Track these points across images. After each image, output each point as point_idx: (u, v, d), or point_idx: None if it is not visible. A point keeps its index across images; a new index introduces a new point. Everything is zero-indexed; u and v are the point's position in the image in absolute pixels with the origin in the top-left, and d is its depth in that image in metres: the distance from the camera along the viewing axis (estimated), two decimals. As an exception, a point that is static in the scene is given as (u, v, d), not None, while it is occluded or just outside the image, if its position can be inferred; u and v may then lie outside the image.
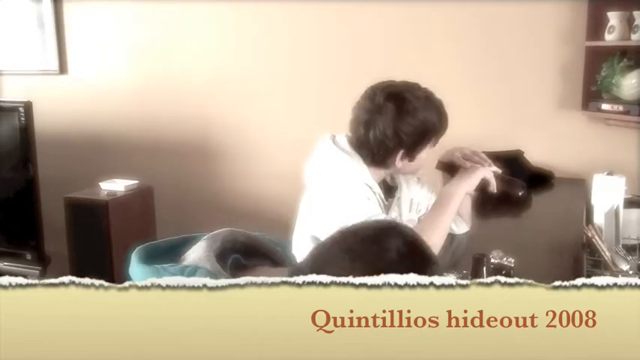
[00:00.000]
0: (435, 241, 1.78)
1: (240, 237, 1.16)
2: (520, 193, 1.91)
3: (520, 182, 1.94)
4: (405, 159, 1.89)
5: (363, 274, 0.85)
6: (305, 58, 3.31)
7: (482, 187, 1.92)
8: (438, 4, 3.02)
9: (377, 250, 0.93)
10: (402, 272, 0.86)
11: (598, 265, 1.93)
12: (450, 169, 1.97)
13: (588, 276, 1.81)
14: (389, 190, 2.04)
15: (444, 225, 1.86)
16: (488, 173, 1.92)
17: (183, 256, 1.12)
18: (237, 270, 1.10)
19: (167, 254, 1.13)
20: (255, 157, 3.48)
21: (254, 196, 3.49)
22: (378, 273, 0.84)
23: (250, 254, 1.15)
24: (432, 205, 1.99)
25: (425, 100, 1.86)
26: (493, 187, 1.92)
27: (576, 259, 1.94)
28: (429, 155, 1.94)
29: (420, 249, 0.98)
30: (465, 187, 1.90)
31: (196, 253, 1.09)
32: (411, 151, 1.88)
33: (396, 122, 1.83)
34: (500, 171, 1.96)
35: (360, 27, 3.18)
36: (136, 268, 1.10)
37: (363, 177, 1.90)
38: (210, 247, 1.09)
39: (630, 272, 1.88)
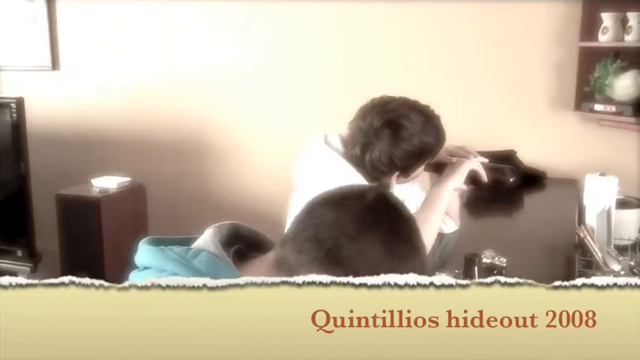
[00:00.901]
0: (424, 241, 1.79)
1: (245, 231, 1.18)
2: (512, 179, 1.90)
3: (509, 168, 1.93)
4: (399, 178, 1.91)
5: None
6: (298, 58, 3.30)
7: (473, 179, 1.92)
8: (431, 6, 3.02)
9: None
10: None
11: (590, 266, 1.94)
12: (438, 168, 1.97)
13: (580, 276, 1.83)
14: None
15: (434, 224, 1.85)
16: (476, 164, 1.91)
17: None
18: (239, 259, 1.11)
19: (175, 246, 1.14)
20: (248, 155, 3.47)
21: (247, 194, 3.48)
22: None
23: (252, 248, 1.16)
24: (420, 204, 1.99)
25: (422, 125, 1.84)
26: (483, 177, 1.91)
27: (568, 259, 1.95)
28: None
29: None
30: (453, 183, 1.89)
31: (202, 239, 1.11)
32: (406, 172, 1.90)
33: (392, 149, 1.82)
34: (487, 160, 1.95)
35: (355, 28, 3.18)
36: (142, 250, 1.10)
37: (355, 178, 1.90)
38: (216, 234, 1.11)
39: (622, 273, 1.90)
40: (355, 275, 0.98)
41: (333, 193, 1.09)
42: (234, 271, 1.05)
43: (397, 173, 1.88)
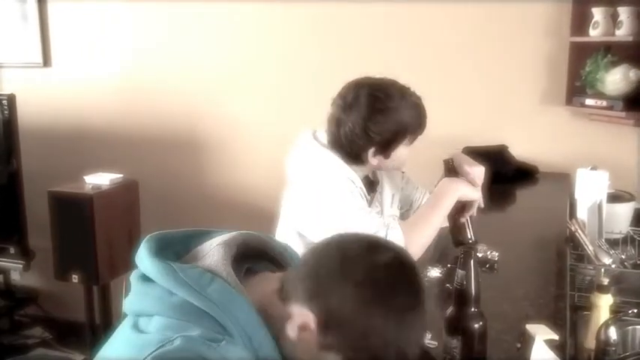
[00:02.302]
0: (424, 236, 1.79)
1: (252, 241, 1.17)
2: (470, 240, 1.89)
3: (473, 235, 1.90)
4: (378, 156, 1.88)
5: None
6: (291, 54, 3.30)
7: (462, 206, 1.90)
8: (424, 3, 3.02)
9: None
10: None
11: (581, 259, 1.96)
12: (453, 172, 1.94)
13: (571, 270, 1.84)
14: (371, 185, 2.04)
15: (435, 223, 1.84)
16: (479, 201, 1.90)
17: (195, 251, 1.12)
18: (247, 276, 1.12)
19: (177, 246, 1.13)
20: (240, 150, 3.47)
21: (239, 189, 3.48)
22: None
23: (259, 257, 1.17)
24: (425, 199, 2.00)
25: (399, 99, 1.83)
26: (469, 213, 1.90)
27: (560, 252, 1.96)
28: (414, 151, 1.94)
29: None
30: (463, 191, 1.87)
31: (212, 259, 1.09)
32: (384, 149, 1.87)
33: (366, 121, 1.81)
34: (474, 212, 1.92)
35: (344, 25, 3.18)
36: (146, 259, 1.07)
37: (345, 172, 1.90)
38: (227, 254, 1.09)
39: (613, 266, 1.91)
40: (329, 324, 1.00)
41: (351, 239, 1.09)
42: (246, 299, 1.04)
43: (374, 149, 1.86)
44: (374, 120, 1.81)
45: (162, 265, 1.05)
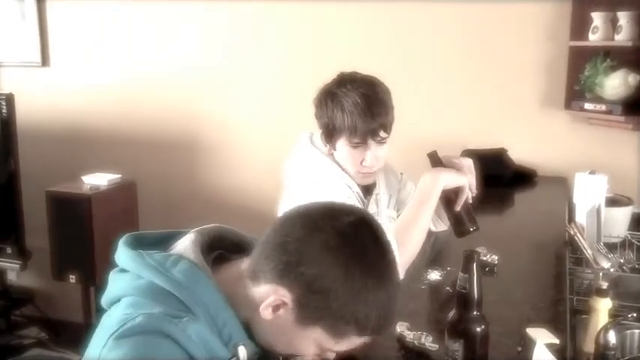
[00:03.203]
0: (415, 237, 1.78)
1: (228, 234, 1.17)
2: (471, 229, 1.82)
3: (476, 221, 1.84)
4: (325, 143, 1.93)
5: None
6: (289, 56, 3.30)
7: (454, 194, 1.83)
8: (422, 4, 3.03)
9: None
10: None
11: (580, 263, 1.96)
12: (439, 164, 1.92)
13: (570, 274, 1.84)
14: (367, 187, 2.04)
15: (423, 222, 1.81)
16: (467, 188, 1.82)
17: (171, 247, 1.13)
18: (221, 262, 1.12)
19: (155, 245, 1.13)
20: (239, 151, 3.47)
21: (237, 191, 3.48)
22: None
23: (235, 251, 1.16)
24: (412, 197, 1.98)
25: (347, 102, 1.84)
26: (460, 200, 1.81)
27: (558, 256, 1.96)
28: (413, 154, 1.93)
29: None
30: (446, 179, 1.80)
31: (183, 244, 1.10)
32: (328, 138, 1.91)
33: (316, 104, 1.91)
34: (471, 199, 1.85)
35: (343, 26, 3.18)
36: (121, 252, 1.10)
37: (341, 177, 1.92)
38: (197, 240, 1.10)
39: (611, 270, 1.91)
40: (307, 294, 1.00)
41: (312, 206, 1.10)
42: (211, 280, 1.04)
43: (322, 133, 1.93)
44: (322, 109, 1.90)
45: (132, 253, 1.07)
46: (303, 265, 1.01)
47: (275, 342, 1.08)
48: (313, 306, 1.01)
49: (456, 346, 1.17)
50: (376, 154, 1.90)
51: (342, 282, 1.00)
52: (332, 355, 1.09)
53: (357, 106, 1.83)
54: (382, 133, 1.87)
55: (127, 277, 1.07)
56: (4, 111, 3.28)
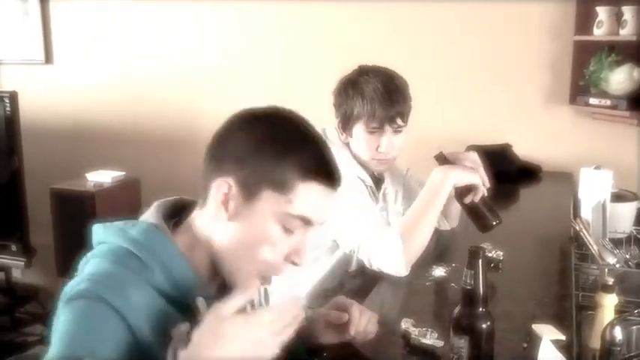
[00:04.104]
0: (422, 235, 1.78)
1: (191, 204, 1.21)
2: (494, 222, 1.82)
3: (498, 214, 1.84)
4: (344, 132, 1.97)
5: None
6: (294, 52, 3.30)
7: (467, 191, 1.84)
8: (425, 2, 3.02)
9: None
10: None
11: (585, 259, 1.95)
12: (447, 162, 1.91)
13: (576, 269, 1.83)
14: (376, 182, 2.05)
15: (430, 219, 1.82)
16: (479, 182, 1.82)
17: None
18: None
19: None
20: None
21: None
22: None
23: None
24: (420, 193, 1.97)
25: (368, 88, 1.89)
26: (477, 196, 1.83)
27: (564, 252, 1.96)
28: (418, 150, 1.93)
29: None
30: (457, 176, 1.81)
31: (146, 214, 1.17)
32: (345, 125, 1.96)
33: (336, 93, 1.97)
34: (486, 192, 1.86)
35: (349, 23, 3.18)
36: (91, 231, 1.16)
37: (356, 170, 1.92)
38: (158, 207, 1.17)
39: (617, 265, 1.90)
40: (241, 163, 1.07)
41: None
42: (167, 236, 1.10)
43: (337, 121, 1.97)
44: (341, 95, 1.95)
45: (98, 225, 1.15)
46: (227, 146, 1.10)
47: (243, 258, 1.09)
48: (250, 170, 1.07)
49: (462, 343, 1.17)
50: (392, 142, 1.93)
51: (269, 136, 1.09)
52: (301, 256, 1.11)
53: (376, 91, 1.88)
54: (399, 121, 1.92)
55: (95, 251, 1.12)
56: (7, 109, 3.28)
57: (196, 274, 1.09)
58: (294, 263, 1.12)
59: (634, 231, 2.13)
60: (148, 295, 1.03)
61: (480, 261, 1.15)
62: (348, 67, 2.00)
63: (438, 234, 2.09)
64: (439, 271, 1.76)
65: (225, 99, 3.46)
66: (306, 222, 1.09)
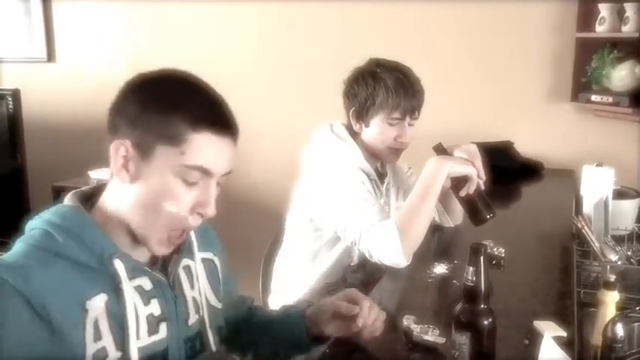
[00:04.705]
0: (419, 227, 1.78)
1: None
2: (488, 216, 1.81)
3: (493, 207, 1.82)
4: (358, 122, 1.97)
5: None
6: (301, 50, 3.30)
7: (461, 182, 1.83)
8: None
9: None
10: None
11: (587, 256, 1.95)
12: (443, 153, 1.91)
13: (577, 266, 1.84)
14: (380, 177, 2.06)
15: (426, 211, 1.80)
16: (474, 174, 1.82)
17: None
18: None
19: None
20: (249, 147, 3.44)
21: (247, 187, 3.48)
22: None
23: None
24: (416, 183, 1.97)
25: (390, 79, 1.91)
26: (470, 188, 1.82)
27: (565, 249, 1.96)
28: (419, 148, 1.93)
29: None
30: (450, 166, 1.80)
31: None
32: (361, 115, 1.96)
33: (352, 82, 1.98)
34: (482, 185, 1.85)
35: (351, 21, 3.18)
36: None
37: (358, 162, 1.94)
38: (75, 194, 1.20)
39: (619, 262, 1.90)
40: (133, 123, 1.12)
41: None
42: (77, 209, 1.14)
43: (353, 110, 1.97)
44: (359, 84, 1.95)
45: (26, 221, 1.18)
46: (120, 112, 1.16)
47: (149, 215, 1.11)
48: (142, 129, 1.10)
49: (463, 339, 1.17)
50: (410, 132, 1.97)
51: (157, 93, 1.14)
52: (207, 208, 1.13)
53: (400, 83, 1.91)
54: (417, 112, 1.96)
55: (18, 242, 1.15)
56: (10, 106, 3.29)
57: (113, 243, 1.12)
58: (201, 215, 1.14)
59: (636, 228, 2.13)
60: (61, 271, 1.05)
61: (482, 258, 1.15)
62: (351, 65, 2.01)
63: (440, 231, 2.09)
64: (441, 268, 1.76)
65: (228, 97, 3.46)
66: (205, 172, 1.12)
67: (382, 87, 1.91)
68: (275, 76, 3.35)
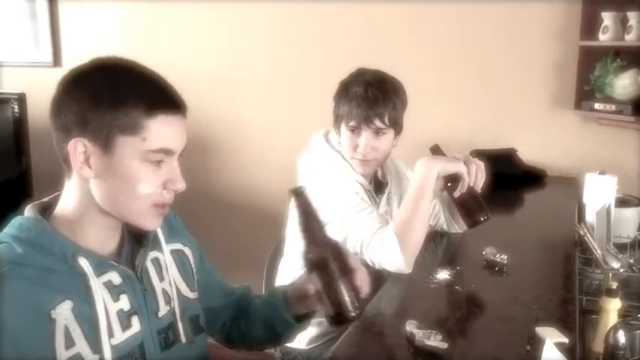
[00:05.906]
0: (417, 233, 1.78)
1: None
2: (482, 218, 1.81)
3: (487, 209, 1.82)
4: (336, 131, 2.02)
5: None
6: (300, 55, 3.31)
7: (454, 180, 1.84)
8: (432, 5, 3.03)
9: None
10: None
11: (589, 263, 1.96)
12: (440, 154, 1.92)
13: (580, 274, 1.84)
14: (379, 186, 2.07)
15: (422, 214, 1.80)
16: (465, 173, 1.82)
17: None
18: None
19: None
20: (250, 151, 3.48)
21: (246, 191, 3.49)
22: None
23: None
24: (436, 206, 1.98)
25: (354, 87, 1.94)
26: (463, 187, 1.83)
27: (568, 256, 1.96)
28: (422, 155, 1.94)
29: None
30: (440, 165, 1.81)
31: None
32: (335, 124, 2.01)
33: (335, 92, 2.02)
34: (479, 188, 1.85)
35: (352, 27, 3.18)
36: None
37: (352, 174, 1.95)
38: (33, 206, 1.22)
39: (621, 270, 1.91)
40: (87, 118, 1.11)
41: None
42: (34, 217, 1.16)
43: (334, 119, 2.01)
44: (335, 95, 2.01)
45: None
46: (67, 111, 1.15)
47: (128, 201, 1.15)
48: (95, 124, 1.11)
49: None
50: (371, 143, 1.95)
51: (103, 86, 1.13)
52: (177, 182, 1.18)
53: (357, 92, 1.93)
54: (378, 122, 1.93)
55: None
56: (15, 111, 3.30)
57: (73, 242, 1.14)
58: (174, 190, 1.19)
59: (638, 236, 2.14)
60: (23, 284, 1.06)
61: (304, 198, 1.25)
62: (351, 69, 2.02)
63: (443, 237, 2.10)
64: (444, 274, 1.77)
65: (235, 103, 3.48)
66: (168, 152, 1.15)
67: (345, 97, 1.96)
68: (276, 79, 3.36)
